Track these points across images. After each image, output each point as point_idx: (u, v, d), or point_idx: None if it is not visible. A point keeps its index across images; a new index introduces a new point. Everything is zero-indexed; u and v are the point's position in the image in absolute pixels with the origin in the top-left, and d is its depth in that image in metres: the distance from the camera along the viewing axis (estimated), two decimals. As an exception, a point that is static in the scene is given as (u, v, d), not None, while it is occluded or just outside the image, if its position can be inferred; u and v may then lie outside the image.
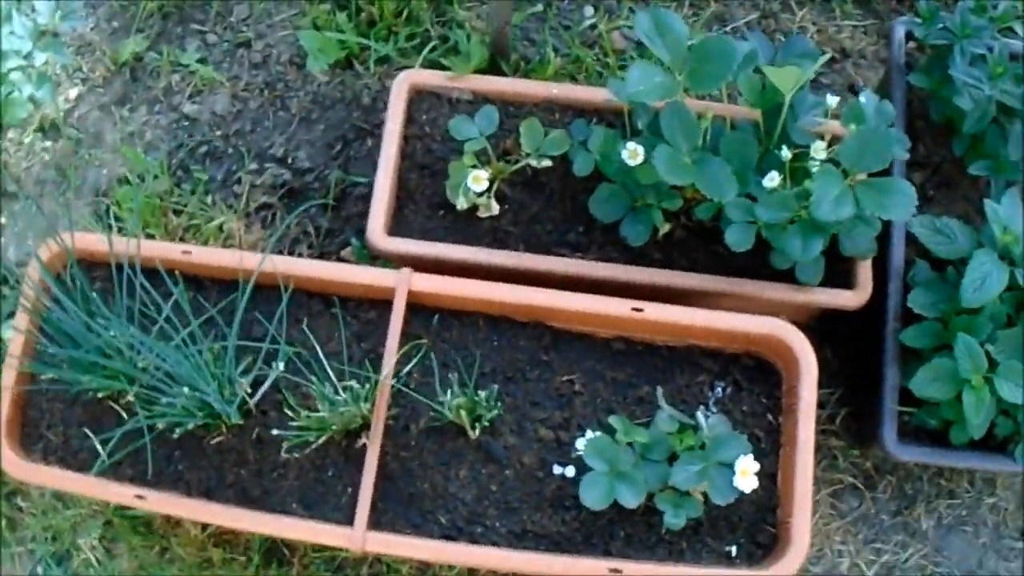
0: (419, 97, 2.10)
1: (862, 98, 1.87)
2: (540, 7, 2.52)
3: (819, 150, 1.83)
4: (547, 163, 2.00)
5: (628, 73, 1.75)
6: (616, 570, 1.72)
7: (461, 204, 1.98)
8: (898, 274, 2.03)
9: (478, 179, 1.93)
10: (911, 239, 2.03)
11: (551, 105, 2.10)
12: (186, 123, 2.47)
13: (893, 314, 2.01)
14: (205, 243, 2.32)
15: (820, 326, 2.23)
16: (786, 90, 1.79)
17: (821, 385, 1.96)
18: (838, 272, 1.98)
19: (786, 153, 1.82)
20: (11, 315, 2.36)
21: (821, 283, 1.95)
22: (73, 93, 2.53)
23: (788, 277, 1.94)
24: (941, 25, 2.03)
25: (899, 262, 2.04)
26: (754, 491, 1.71)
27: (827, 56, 1.94)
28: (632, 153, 1.84)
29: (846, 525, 2.22)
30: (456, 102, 2.10)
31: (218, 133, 2.46)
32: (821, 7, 2.58)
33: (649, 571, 1.74)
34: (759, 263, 1.92)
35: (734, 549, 1.79)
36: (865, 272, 1.98)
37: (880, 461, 2.26)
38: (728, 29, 2.51)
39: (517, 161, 2.01)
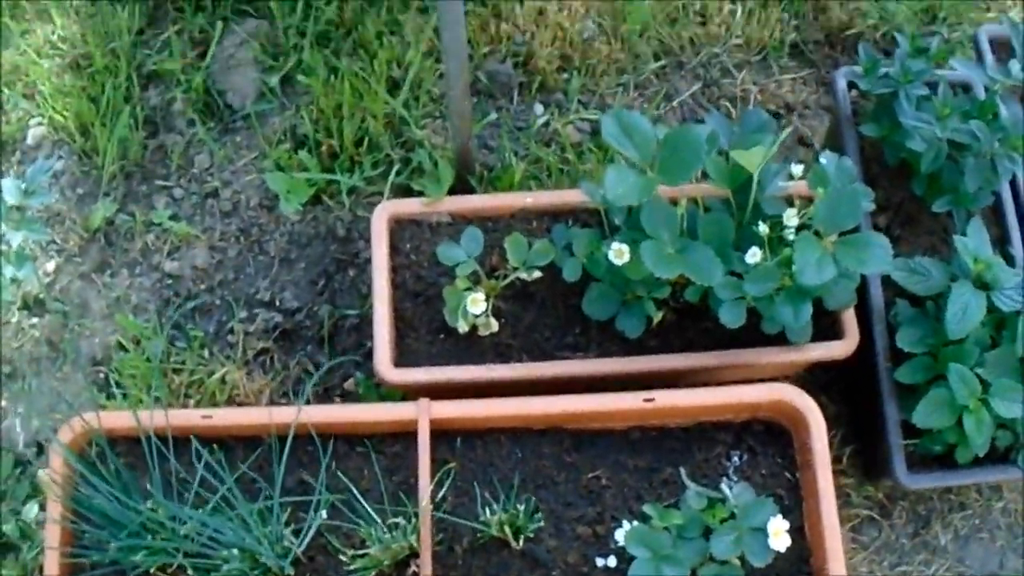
0: (399, 227, 2.14)
1: (823, 160, 1.94)
2: (495, 115, 2.58)
3: (791, 217, 1.89)
4: (537, 274, 2.04)
5: (604, 178, 1.81)
6: (676, 645, 1.78)
7: (462, 327, 2.01)
8: (880, 316, 2.12)
9: (476, 301, 1.97)
10: (886, 280, 2.12)
11: (527, 214, 2.15)
12: (169, 281, 2.49)
13: (883, 355, 2.10)
14: (211, 397, 2.34)
15: (811, 375, 2.32)
16: (754, 169, 1.87)
17: (824, 431, 2.04)
18: (824, 325, 2.05)
19: (764, 228, 1.88)
20: (27, 498, 2.38)
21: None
22: (51, 266, 2.53)
23: (779, 339, 2.01)
24: (882, 73, 2.12)
25: (879, 304, 2.13)
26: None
27: (787, 131, 2.03)
28: (618, 253, 1.89)
29: (870, 555, 2.30)
30: (436, 226, 2.14)
31: (203, 287, 2.48)
32: (759, 66, 2.68)
33: (707, 643, 1.80)
34: (749, 330, 1.98)
35: (777, 605, 1.86)
36: (850, 321, 2.05)
37: (890, 490, 2.34)
38: (675, 104, 2.61)
39: (506, 276, 2.05)
